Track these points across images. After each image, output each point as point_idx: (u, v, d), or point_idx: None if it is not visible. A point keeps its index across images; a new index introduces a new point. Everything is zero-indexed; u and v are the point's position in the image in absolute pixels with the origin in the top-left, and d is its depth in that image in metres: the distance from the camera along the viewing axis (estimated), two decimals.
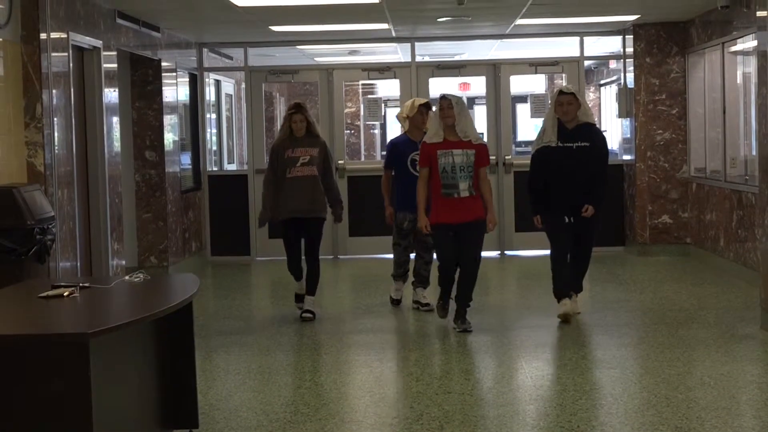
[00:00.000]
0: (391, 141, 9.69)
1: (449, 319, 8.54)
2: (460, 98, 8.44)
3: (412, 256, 9.49)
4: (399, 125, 9.73)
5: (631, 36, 12.96)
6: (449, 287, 8.52)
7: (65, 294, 5.17)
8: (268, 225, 9.53)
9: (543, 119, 8.89)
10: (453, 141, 8.28)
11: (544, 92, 16.28)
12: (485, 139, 10.46)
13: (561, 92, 8.65)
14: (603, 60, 15.72)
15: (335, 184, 9.14)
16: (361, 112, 15.17)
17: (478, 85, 14.41)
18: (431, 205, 8.38)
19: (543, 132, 8.70)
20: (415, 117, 9.22)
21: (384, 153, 10.46)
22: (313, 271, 9.12)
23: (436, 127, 8.35)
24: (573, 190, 8.55)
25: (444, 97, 8.30)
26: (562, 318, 8.56)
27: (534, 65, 13.84)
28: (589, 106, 8.82)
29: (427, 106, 9.29)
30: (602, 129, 9.59)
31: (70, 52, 8.94)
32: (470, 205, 8.30)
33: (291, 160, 8.93)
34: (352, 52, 15.60)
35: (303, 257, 9.16)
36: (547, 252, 8.88)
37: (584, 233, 8.72)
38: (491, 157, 9.83)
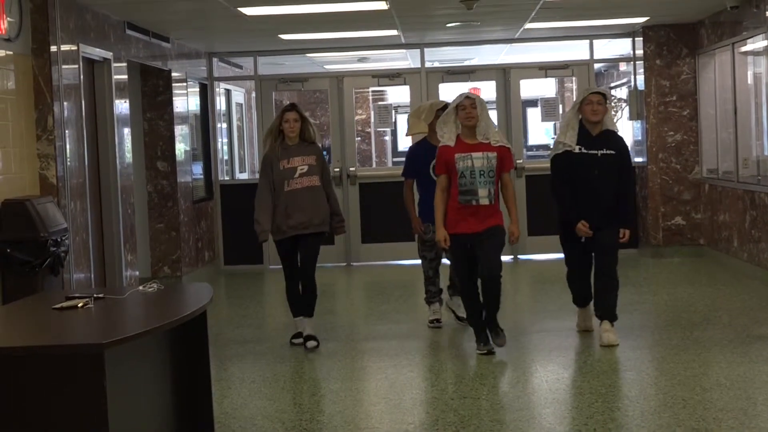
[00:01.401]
0: (410, 147, 9.17)
1: (465, 329, 8.36)
2: (481, 98, 7.82)
3: (443, 260, 8.83)
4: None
5: (641, 38, 12.94)
6: (475, 307, 7.79)
7: (79, 305, 5.19)
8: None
9: (561, 121, 8.17)
10: (472, 143, 7.64)
11: (554, 96, 16.26)
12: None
13: (592, 91, 7.92)
14: (613, 62, 15.70)
15: (335, 194, 8.41)
16: (372, 119, 15.15)
17: (488, 90, 14.37)
18: (446, 214, 7.72)
19: (563, 134, 7.97)
20: (434, 122, 8.49)
21: (395, 160, 9.88)
22: (309, 291, 8.33)
23: (452, 129, 7.71)
24: (596, 205, 7.85)
25: (468, 96, 7.67)
26: (581, 329, 8.29)
27: (544, 69, 13.84)
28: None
29: (445, 108, 8.51)
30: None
31: (81, 64, 8.97)
32: (489, 213, 7.62)
33: (288, 171, 8.07)
34: (362, 59, 15.61)
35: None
36: (560, 255, 8.42)
37: (605, 243, 7.92)
38: None
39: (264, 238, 8.14)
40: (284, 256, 8.29)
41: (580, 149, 7.83)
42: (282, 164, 8.07)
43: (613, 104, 7.74)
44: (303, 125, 8.15)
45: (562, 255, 8.34)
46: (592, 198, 7.84)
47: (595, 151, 7.85)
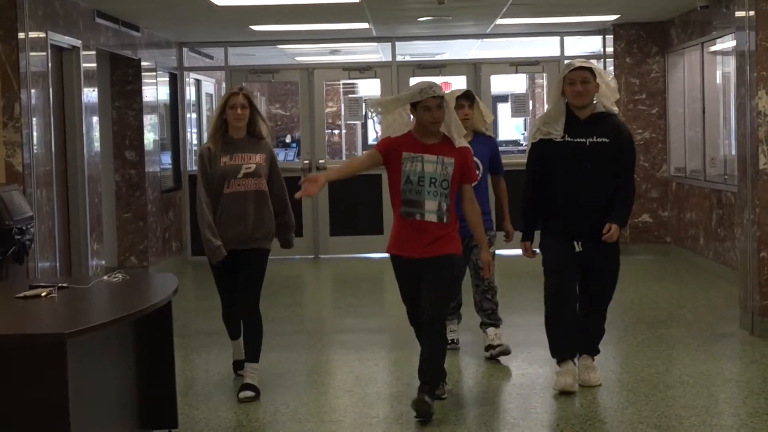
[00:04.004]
0: None
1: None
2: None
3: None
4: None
5: (611, 36, 12.99)
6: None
7: (43, 294, 5.15)
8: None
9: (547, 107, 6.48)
10: (427, 143, 5.97)
11: (525, 92, 16.29)
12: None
13: (573, 67, 6.27)
14: (583, 59, 15.74)
15: (288, 201, 6.77)
16: (342, 112, 15.14)
17: (458, 85, 14.39)
18: (392, 229, 6.18)
19: (543, 120, 6.39)
20: (456, 112, 6.82)
21: (365, 152, 7.59)
22: (252, 327, 6.63)
23: (401, 120, 6.06)
24: (584, 204, 6.26)
25: (435, 95, 5.90)
26: (560, 391, 6.36)
27: (515, 65, 13.86)
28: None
29: (467, 96, 7.37)
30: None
31: (49, 51, 8.90)
32: (440, 235, 5.93)
33: (229, 169, 6.51)
34: (333, 52, 15.59)
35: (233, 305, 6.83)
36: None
37: (601, 267, 6.37)
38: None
39: (222, 254, 6.49)
40: (219, 277, 6.77)
41: (563, 137, 6.26)
42: (223, 160, 6.52)
43: (608, 79, 6.30)
44: (252, 115, 6.61)
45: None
46: (578, 196, 6.25)
47: (583, 139, 6.24)
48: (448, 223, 5.93)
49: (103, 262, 10.30)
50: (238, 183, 6.51)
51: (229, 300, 6.80)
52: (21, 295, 5.16)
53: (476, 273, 7.32)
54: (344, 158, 18.67)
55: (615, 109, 6.39)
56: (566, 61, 6.32)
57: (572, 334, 6.40)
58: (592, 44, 14.25)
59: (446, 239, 5.93)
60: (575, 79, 6.21)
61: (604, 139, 6.24)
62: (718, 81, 11.30)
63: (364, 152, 5.76)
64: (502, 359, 7.26)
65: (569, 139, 6.25)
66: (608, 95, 6.32)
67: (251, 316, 6.61)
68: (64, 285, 5.43)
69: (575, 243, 6.31)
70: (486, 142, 7.43)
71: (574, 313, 6.38)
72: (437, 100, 5.89)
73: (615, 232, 6.18)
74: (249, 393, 6.45)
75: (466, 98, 7.34)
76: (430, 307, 5.90)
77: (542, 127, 6.34)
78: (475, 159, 6.83)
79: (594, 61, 6.35)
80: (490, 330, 7.38)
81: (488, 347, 7.34)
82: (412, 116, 6.05)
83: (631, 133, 6.51)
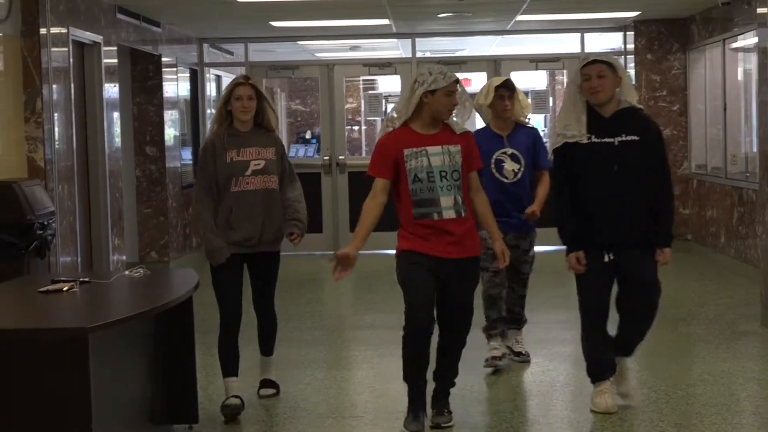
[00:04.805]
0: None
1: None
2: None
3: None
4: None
5: (632, 32, 12.95)
6: (421, 361, 5.54)
7: (65, 289, 5.17)
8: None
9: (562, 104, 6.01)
10: (426, 134, 5.50)
11: (545, 88, 16.26)
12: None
13: (587, 62, 5.74)
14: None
15: (302, 195, 6.28)
16: (362, 108, 15.14)
17: (479, 81, 14.38)
18: (399, 233, 5.62)
19: (563, 123, 5.80)
20: (495, 104, 6.76)
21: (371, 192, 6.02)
22: (268, 324, 6.40)
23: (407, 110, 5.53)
24: (616, 211, 5.67)
25: (457, 80, 5.55)
26: (598, 409, 5.89)
27: (535, 61, 13.84)
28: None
29: (507, 86, 6.77)
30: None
31: (71, 47, 8.93)
32: (459, 231, 5.50)
33: (237, 166, 5.99)
34: (353, 48, 15.59)
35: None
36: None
37: (640, 276, 5.77)
38: None
39: (225, 255, 6.00)
40: (221, 282, 6.11)
41: (589, 138, 5.70)
42: (229, 155, 5.99)
43: (620, 72, 5.76)
44: (260, 105, 6.10)
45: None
46: (610, 208, 5.68)
47: (611, 139, 5.69)
48: (466, 216, 5.51)
49: (124, 257, 10.33)
50: (246, 181, 6.00)
51: (232, 313, 6.13)
52: (43, 289, 5.19)
53: (515, 276, 6.89)
54: (364, 154, 18.67)
55: (638, 104, 5.85)
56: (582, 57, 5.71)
57: (609, 353, 5.93)
58: (612, 41, 14.20)
59: (469, 237, 5.52)
60: (590, 73, 5.67)
61: (633, 137, 5.67)
62: (739, 78, 11.25)
63: (369, 194, 5.56)
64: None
65: (595, 139, 5.68)
66: (630, 90, 5.79)
67: (269, 314, 6.36)
68: (86, 280, 5.46)
69: (605, 254, 5.73)
70: (527, 133, 6.88)
71: (604, 330, 5.90)
72: (456, 86, 5.48)
73: (668, 257, 5.76)
74: (270, 390, 6.37)
75: (507, 88, 6.74)
76: (461, 319, 5.59)
77: (563, 131, 5.74)
78: (515, 152, 6.78)
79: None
80: (513, 332, 7.11)
81: (514, 352, 7.10)
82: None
83: (660, 129, 6.00)
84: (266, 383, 6.41)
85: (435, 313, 5.51)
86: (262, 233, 6.04)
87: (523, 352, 7.14)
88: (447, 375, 5.72)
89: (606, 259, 5.74)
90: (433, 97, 5.46)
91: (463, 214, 5.49)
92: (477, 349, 7.25)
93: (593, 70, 5.67)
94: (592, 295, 5.80)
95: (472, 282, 5.63)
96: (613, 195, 5.66)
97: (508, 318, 7.00)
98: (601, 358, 5.90)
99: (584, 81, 5.69)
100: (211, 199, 6.03)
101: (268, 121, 6.14)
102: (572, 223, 5.75)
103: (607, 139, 5.68)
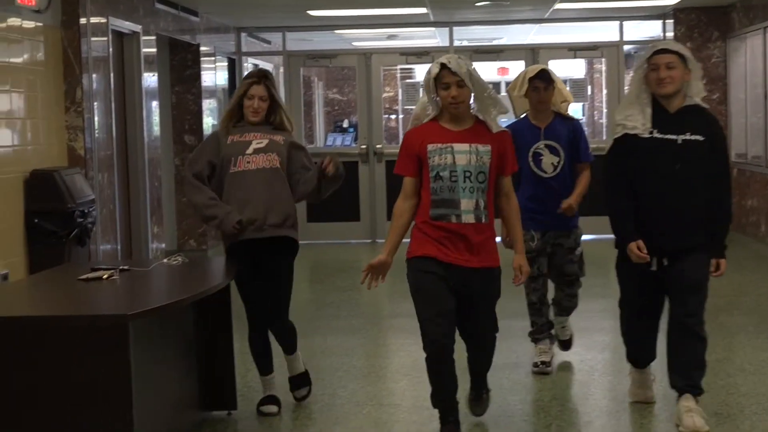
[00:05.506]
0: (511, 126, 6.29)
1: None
2: (469, 66, 5.02)
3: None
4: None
5: (672, 20, 12.85)
6: (445, 383, 5.20)
7: (105, 276, 5.21)
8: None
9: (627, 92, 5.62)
10: (455, 130, 5.07)
11: (583, 77, 16.18)
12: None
13: (656, 50, 5.31)
14: (643, 45, 15.59)
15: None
16: (399, 97, 15.13)
17: (516, 70, 14.32)
18: (412, 233, 5.21)
19: (624, 112, 5.41)
20: (530, 95, 6.44)
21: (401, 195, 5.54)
22: (285, 333, 5.91)
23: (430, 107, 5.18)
24: (676, 218, 5.34)
25: (450, 69, 4.95)
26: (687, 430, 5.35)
27: (573, 50, 13.77)
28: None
29: (542, 77, 6.38)
30: None
31: (110, 36, 8.99)
32: (476, 238, 5.05)
33: (237, 145, 5.58)
34: (390, 37, 15.58)
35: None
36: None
37: (688, 282, 5.42)
38: None
39: (235, 218, 5.48)
40: (239, 282, 5.66)
41: (651, 133, 5.33)
42: (231, 138, 5.62)
43: (690, 66, 5.36)
44: (273, 106, 5.70)
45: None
46: (666, 210, 5.34)
47: (674, 136, 5.31)
48: (487, 223, 5.06)
49: (163, 245, 10.40)
50: (247, 160, 5.54)
51: (257, 309, 5.76)
52: (83, 277, 5.23)
53: (560, 279, 6.60)
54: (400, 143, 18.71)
55: (703, 103, 5.44)
56: (651, 45, 5.26)
57: (651, 345, 5.71)
58: (651, 29, 14.10)
59: (488, 246, 5.08)
60: (659, 63, 5.25)
61: (698, 137, 5.29)
62: None
63: (400, 195, 5.12)
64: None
65: (658, 135, 5.31)
66: (698, 87, 5.38)
67: (284, 324, 5.87)
68: (125, 267, 5.50)
69: (655, 260, 5.36)
70: (567, 125, 6.53)
71: (653, 327, 5.66)
72: (456, 77, 4.94)
73: (723, 268, 5.47)
74: (303, 391, 6.01)
75: (541, 79, 6.35)
76: (480, 337, 5.27)
77: (624, 121, 5.36)
78: (553, 144, 6.45)
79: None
80: (561, 318, 6.77)
81: (558, 342, 6.85)
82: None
83: (722, 130, 5.61)
84: (297, 381, 6.02)
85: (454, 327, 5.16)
86: (266, 215, 5.52)
87: (566, 340, 6.86)
88: (480, 365, 5.47)
89: (653, 267, 5.37)
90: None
91: (483, 220, 5.04)
92: (513, 338, 7.23)
93: (662, 60, 5.26)
94: (636, 290, 5.52)
95: (490, 294, 5.17)
96: (669, 196, 5.30)
97: (557, 310, 6.72)
98: (640, 349, 5.70)
99: (651, 71, 5.29)
100: (201, 182, 5.58)
101: (281, 121, 5.70)
102: (628, 214, 5.36)
103: (670, 136, 5.30)
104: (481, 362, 5.41)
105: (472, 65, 5.02)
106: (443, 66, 4.96)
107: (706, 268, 5.43)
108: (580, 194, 6.47)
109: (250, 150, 5.53)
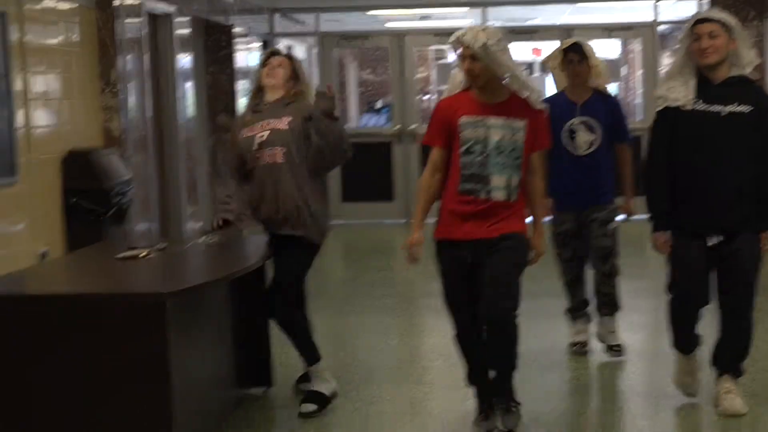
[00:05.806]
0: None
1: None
2: (484, 39, 4.78)
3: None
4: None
5: (707, 0, 12.73)
6: (475, 365, 5.16)
7: (141, 255, 5.24)
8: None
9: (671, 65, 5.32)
10: (490, 104, 4.90)
11: (618, 57, 16.07)
12: None
13: (698, 18, 5.13)
14: (678, 25, 15.47)
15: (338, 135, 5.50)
16: (433, 77, 15.10)
17: (550, 50, 14.25)
18: (439, 210, 5.07)
19: (667, 84, 5.19)
20: (566, 67, 6.35)
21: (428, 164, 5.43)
22: (290, 333, 5.63)
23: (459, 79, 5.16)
24: (721, 191, 5.11)
25: (465, 43, 4.82)
26: (727, 412, 5.31)
27: (608, 30, 13.68)
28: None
29: (575, 49, 6.28)
30: None
31: (144, 18, 9.01)
32: (505, 215, 4.90)
33: (245, 142, 5.55)
34: (423, 18, 15.53)
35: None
36: None
37: (737, 263, 5.17)
38: None
39: (218, 218, 5.66)
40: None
41: (693, 105, 5.11)
42: (244, 132, 5.60)
43: (735, 35, 5.13)
44: (292, 74, 5.66)
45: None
46: (712, 185, 5.11)
47: (718, 108, 5.09)
48: (516, 201, 4.89)
49: (199, 225, 10.44)
50: (255, 156, 5.50)
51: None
52: (120, 255, 5.26)
53: (595, 254, 6.36)
54: None
55: (750, 74, 5.18)
56: (694, 13, 5.13)
57: (695, 329, 5.42)
58: (687, 9, 13.96)
59: (512, 217, 4.90)
60: (701, 33, 5.03)
61: (743, 109, 5.06)
62: None
63: (427, 167, 5.02)
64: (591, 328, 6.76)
65: (702, 106, 5.09)
66: (743, 57, 5.11)
67: (284, 324, 5.59)
68: (162, 246, 5.53)
69: (708, 238, 5.15)
70: (605, 101, 6.37)
71: (700, 307, 5.35)
72: (469, 51, 4.78)
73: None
74: (311, 407, 5.52)
75: (575, 51, 6.19)
76: (495, 301, 4.83)
77: (666, 93, 5.15)
78: (590, 120, 6.29)
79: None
80: (605, 319, 6.47)
81: (602, 341, 6.55)
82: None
83: None
84: (309, 395, 5.61)
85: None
86: (277, 212, 5.47)
87: (615, 346, 6.44)
88: (498, 366, 5.08)
89: (709, 242, 5.14)
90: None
91: (512, 199, 4.88)
92: (550, 318, 7.22)
93: (704, 29, 5.03)
94: (687, 278, 5.23)
95: (513, 256, 4.88)
96: (715, 170, 5.09)
97: (598, 301, 6.48)
98: (690, 333, 5.41)
99: (693, 41, 5.06)
100: (230, 174, 5.63)
101: (299, 92, 5.59)
102: (665, 197, 5.18)
103: (715, 107, 5.08)
104: (501, 353, 4.99)
105: (496, 40, 4.78)
106: (459, 39, 4.82)
107: (758, 249, 5.18)
108: (632, 188, 6.36)
109: (255, 146, 5.50)
